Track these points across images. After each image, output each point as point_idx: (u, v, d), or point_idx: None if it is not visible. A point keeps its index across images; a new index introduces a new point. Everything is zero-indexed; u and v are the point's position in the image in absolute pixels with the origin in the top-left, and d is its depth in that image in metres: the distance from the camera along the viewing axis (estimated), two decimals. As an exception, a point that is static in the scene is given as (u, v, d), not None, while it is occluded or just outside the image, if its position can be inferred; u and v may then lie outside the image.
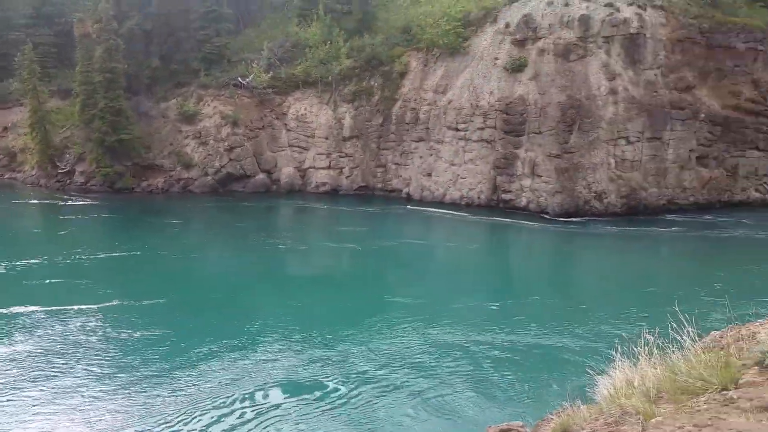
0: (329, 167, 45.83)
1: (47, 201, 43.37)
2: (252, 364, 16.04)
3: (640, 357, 5.82)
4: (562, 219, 37.15)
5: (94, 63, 44.23)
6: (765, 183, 42.29)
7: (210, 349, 17.03)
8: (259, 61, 47.79)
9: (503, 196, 39.81)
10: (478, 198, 40.90)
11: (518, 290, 24.36)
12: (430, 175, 42.94)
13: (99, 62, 43.87)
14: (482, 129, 40.93)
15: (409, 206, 41.33)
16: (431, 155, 43.05)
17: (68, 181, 46.91)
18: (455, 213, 39.26)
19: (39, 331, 17.93)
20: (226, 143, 45.32)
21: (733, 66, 43.01)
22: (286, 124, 46.47)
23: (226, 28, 49.81)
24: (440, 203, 41.67)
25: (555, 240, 34.15)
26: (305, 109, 46.34)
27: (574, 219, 37.21)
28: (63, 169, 47.56)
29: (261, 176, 45.71)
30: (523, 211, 38.79)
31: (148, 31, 48.88)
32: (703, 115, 40.56)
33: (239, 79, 46.76)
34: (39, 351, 16.49)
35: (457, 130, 41.83)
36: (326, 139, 45.75)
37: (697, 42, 41.82)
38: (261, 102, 46.52)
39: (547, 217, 37.68)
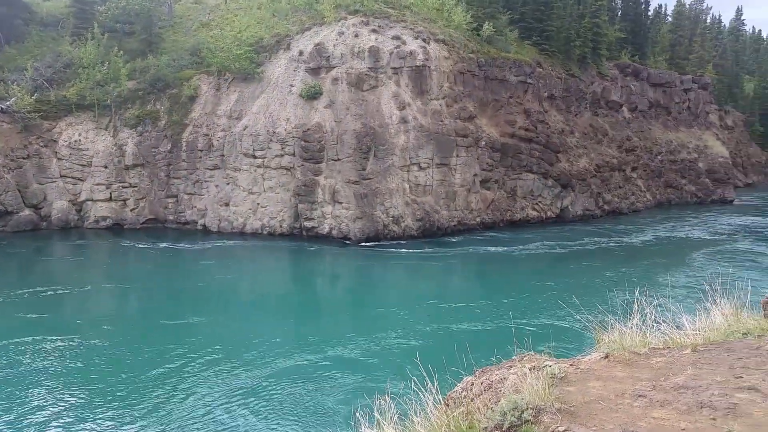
0: (110, 199, 41.20)
1: None
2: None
3: (381, 424, 4.82)
4: (364, 244, 37.25)
5: None
6: (540, 202, 46.82)
7: None
8: (21, 82, 41.74)
9: (306, 223, 38.96)
10: (281, 227, 39.61)
11: (308, 325, 23.09)
12: (227, 204, 40.67)
13: None
14: (281, 156, 39.86)
15: (205, 240, 38.53)
16: (228, 184, 40.84)
17: None
18: (257, 243, 37.44)
19: None
20: (-21, 176, 38.56)
21: (508, 97, 47.36)
22: (56, 152, 40.94)
23: (-21, 43, 42.91)
24: (240, 234, 39.63)
25: (354, 266, 33.92)
26: (80, 135, 41.32)
27: (375, 243, 37.53)
28: None
29: (26, 212, 39.54)
30: (327, 237, 38.28)
31: None
32: (484, 143, 43.79)
33: (-4, 101, 40.36)
34: None
35: (255, 157, 40.26)
36: (105, 167, 41.14)
37: (475, 75, 45.31)
38: (25, 128, 40.52)
39: (350, 242, 37.53)
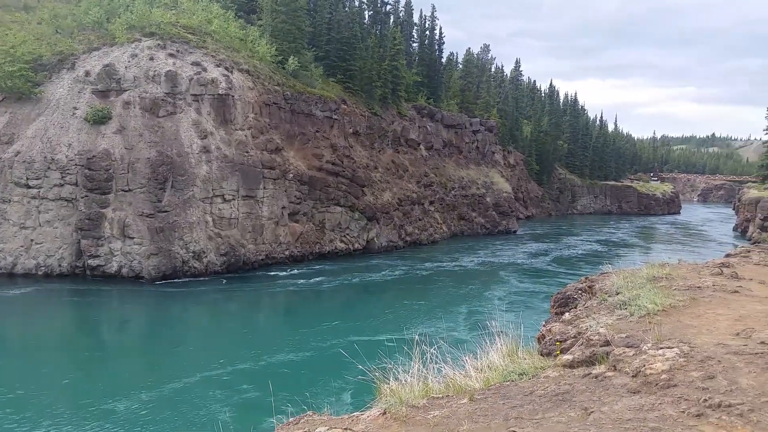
0: None
1: None
2: None
3: None
4: (160, 282, 34.31)
5: None
6: (348, 234, 47.46)
7: None
8: None
9: (90, 261, 34.87)
10: (60, 266, 35.02)
11: (85, 385, 20.04)
12: (-8, 242, 34.96)
13: None
14: (60, 186, 35.48)
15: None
16: (-7, 218, 35.19)
17: None
18: (32, 288, 32.39)
19: None
20: None
21: (315, 131, 47.70)
22: None
23: None
24: (10, 275, 34.33)
25: (145, 308, 30.88)
26: None
27: (173, 281, 34.79)
28: None
29: None
30: (116, 277, 34.58)
31: None
32: (291, 175, 43.38)
33: None
34: None
35: (29, 187, 35.35)
36: None
37: (282, 107, 44.98)
38: None
39: (144, 281, 34.31)
